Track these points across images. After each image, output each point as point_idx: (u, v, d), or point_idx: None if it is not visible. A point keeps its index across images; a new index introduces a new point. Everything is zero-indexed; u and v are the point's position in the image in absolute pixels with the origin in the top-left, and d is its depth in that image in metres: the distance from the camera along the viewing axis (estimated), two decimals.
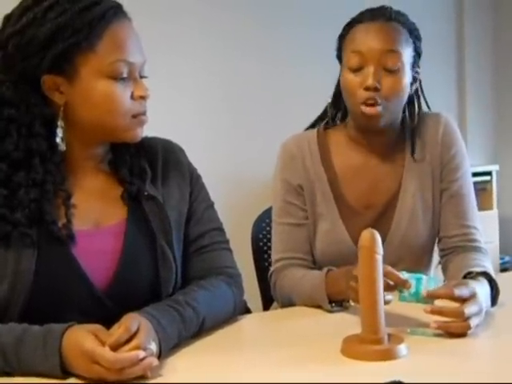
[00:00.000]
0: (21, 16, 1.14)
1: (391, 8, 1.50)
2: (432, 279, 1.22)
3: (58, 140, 1.17)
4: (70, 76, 1.15)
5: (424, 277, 1.21)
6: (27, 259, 1.12)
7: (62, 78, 1.15)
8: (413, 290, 1.19)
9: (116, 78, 1.16)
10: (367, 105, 1.43)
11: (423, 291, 1.18)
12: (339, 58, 1.54)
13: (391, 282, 1.18)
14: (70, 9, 1.13)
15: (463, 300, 1.17)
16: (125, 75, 1.17)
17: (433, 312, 1.16)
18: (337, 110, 1.61)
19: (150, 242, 1.23)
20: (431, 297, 1.18)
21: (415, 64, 1.50)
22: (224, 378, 1.02)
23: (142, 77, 1.22)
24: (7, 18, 1.17)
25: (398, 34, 1.45)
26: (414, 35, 1.49)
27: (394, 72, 1.43)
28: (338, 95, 1.57)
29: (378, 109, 1.43)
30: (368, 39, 1.44)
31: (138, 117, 1.20)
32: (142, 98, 1.20)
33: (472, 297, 1.18)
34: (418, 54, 1.50)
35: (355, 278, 1.18)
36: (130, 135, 1.21)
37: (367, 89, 1.42)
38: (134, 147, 1.27)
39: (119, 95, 1.16)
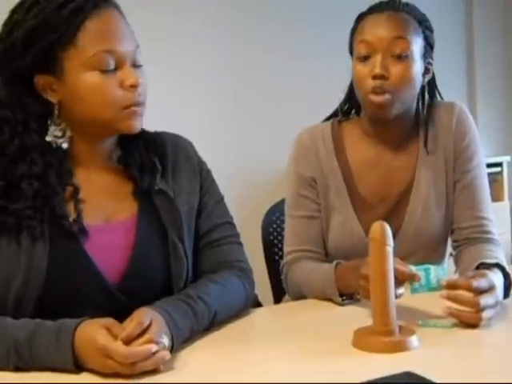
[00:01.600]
0: (8, 20, 1.17)
1: (400, 0, 1.49)
2: (440, 268, 1.22)
3: (49, 138, 1.16)
4: (57, 73, 1.15)
5: (431, 267, 1.21)
6: (39, 255, 1.13)
7: (51, 77, 1.16)
8: (423, 281, 1.19)
9: (101, 69, 1.14)
10: (375, 93, 1.42)
11: (441, 281, 1.18)
12: (351, 52, 1.53)
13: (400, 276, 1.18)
14: (47, 7, 1.14)
15: (480, 291, 1.17)
16: (111, 66, 1.15)
17: (449, 298, 1.16)
18: (351, 105, 1.60)
19: (161, 236, 1.23)
20: (450, 287, 1.17)
21: (427, 55, 1.49)
22: (236, 372, 1.03)
23: (136, 66, 1.19)
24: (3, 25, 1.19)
25: (406, 23, 1.45)
26: (424, 26, 1.48)
27: (403, 59, 1.42)
28: (351, 90, 1.56)
29: (386, 97, 1.42)
30: (376, 28, 1.44)
31: (131, 108, 1.17)
32: (133, 86, 1.16)
33: (490, 289, 1.18)
34: (429, 46, 1.49)
35: (365, 277, 1.18)
36: (126, 127, 1.18)
37: (375, 77, 1.41)
38: (143, 142, 1.27)
39: (105, 86, 1.15)
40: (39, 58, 1.14)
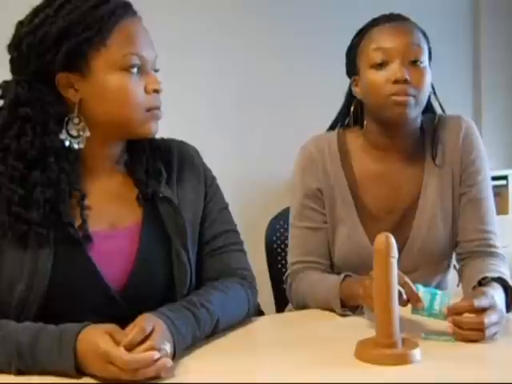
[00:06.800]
0: (33, 17, 1.17)
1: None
2: (446, 294, 1.21)
3: (63, 136, 1.16)
4: (83, 72, 1.16)
5: (439, 292, 1.20)
6: (44, 260, 1.13)
7: (75, 75, 1.16)
8: (426, 304, 1.19)
9: (129, 70, 1.17)
10: (399, 95, 1.41)
11: (444, 308, 1.17)
12: (349, 73, 1.54)
13: (404, 296, 1.17)
14: (80, 6, 1.16)
15: (483, 309, 1.16)
16: (137, 69, 1.18)
17: (454, 324, 1.15)
18: (349, 119, 1.58)
19: (165, 244, 1.24)
20: (453, 313, 1.17)
21: (430, 65, 1.50)
22: (236, 380, 1.02)
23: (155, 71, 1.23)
24: (20, 22, 1.20)
25: (417, 32, 1.47)
26: (426, 38, 1.50)
27: (419, 65, 1.44)
28: (347, 105, 1.57)
29: (410, 98, 1.42)
30: (390, 36, 1.45)
31: (152, 111, 1.21)
32: (156, 91, 1.20)
33: (492, 307, 1.17)
34: (430, 58, 1.51)
35: (371, 277, 1.17)
36: (145, 130, 1.21)
37: (397, 82, 1.41)
38: (149, 148, 1.28)
39: (132, 88, 1.17)
40: (69, 55, 1.15)
